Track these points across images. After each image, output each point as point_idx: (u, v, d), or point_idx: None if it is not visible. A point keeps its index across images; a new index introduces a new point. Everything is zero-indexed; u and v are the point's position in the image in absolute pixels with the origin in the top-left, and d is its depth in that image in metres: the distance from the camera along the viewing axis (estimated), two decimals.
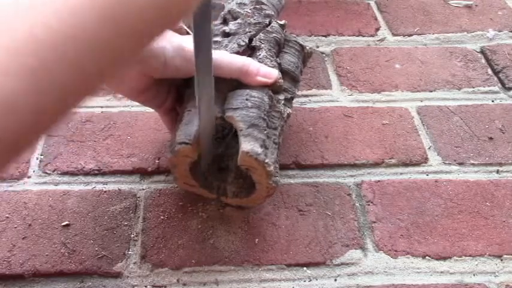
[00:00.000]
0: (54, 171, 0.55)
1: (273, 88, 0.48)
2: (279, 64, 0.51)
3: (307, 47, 0.55)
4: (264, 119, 0.46)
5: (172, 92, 0.50)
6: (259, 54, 0.49)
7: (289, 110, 0.51)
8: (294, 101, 0.63)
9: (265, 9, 0.53)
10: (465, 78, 0.67)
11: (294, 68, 0.52)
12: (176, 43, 0.45)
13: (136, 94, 0.48)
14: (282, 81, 0.49)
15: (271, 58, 0.50)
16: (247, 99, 0.46)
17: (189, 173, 0.48)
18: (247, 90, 0.47)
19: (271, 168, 0.44)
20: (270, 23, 0.52)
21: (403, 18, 0.77)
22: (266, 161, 0.44)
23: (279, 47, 0.52)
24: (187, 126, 0.45)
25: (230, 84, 0.47)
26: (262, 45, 0.50)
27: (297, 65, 0.53)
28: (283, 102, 0.50)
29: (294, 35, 0.55)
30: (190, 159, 0.46)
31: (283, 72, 0.50)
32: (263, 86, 0.47)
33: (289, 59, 0.52)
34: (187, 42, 0.45)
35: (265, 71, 0.47)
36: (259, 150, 0.43)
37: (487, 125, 0.61)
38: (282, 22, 0.53)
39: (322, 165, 0.56)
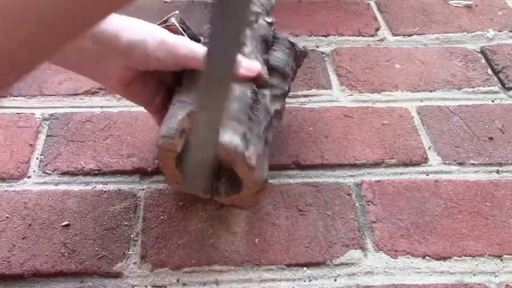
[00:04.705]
0: (54, 171, 0.55)
1: (258, 83, 0.48)
2: (267, 61, 0.50)
3: (301, 46, 0.55)
4: (244, 113, 0.45)
5: (162, 90, 0.50)
6: (245, 50, 0.49)
7: (277, 107, 0.50)
8: (294, 100, 0.63)
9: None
10: (465, 78, 0.67)
11: (283, 64, 0.52)
12: (159, 36, 0.45)
13: (122, 88, 0.48)
14: (267, 76, 0.49)
15: (257, 54, 0.50)
16: None
17: (177, 171, 0.48)
18: None
19: (253, 162, 0.43)
20: (256, 20, 0.52)
21: (403, 18, 0.77)
22: (246, 154, 0.43)
23: (267, 44, 0.52)
24: (170, 120, 0.45)
25: None
26: (248, 41, 0.50)
27: (287, 62, 0.53)
28: (269, 97, 0.49)
29: (289, 34, 0.55)
30: (174, 154, 0.46)
31: (271, 68, 0.50)
32: (247, 81, 0.47)
33: (278, 55, 0.52)
34: (169, 36, 0.46)
35: (247, 64, 0.47)
36: (238, 142, 0.43)
37: (487, 125, 0.61)
38: (269, 20, 0.53)
39: (322, 165, 0.56)
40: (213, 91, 0.33)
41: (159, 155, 0.46)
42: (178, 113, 0.45)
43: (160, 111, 0.51)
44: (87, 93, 0.64)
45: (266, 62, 0.50)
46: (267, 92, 0.49)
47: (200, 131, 0.39)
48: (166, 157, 0.46)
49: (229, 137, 0.43)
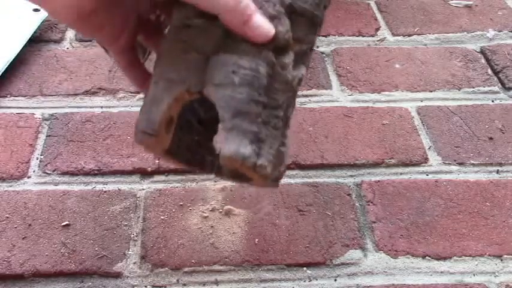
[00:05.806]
0: (54, 171, 0.55)
1: (277, 45, 0.33)
2: (289, 5, 0.34)
3: None
4: (257, 102, 0.32)
5: (130, 21, 0.38)
6: None
7: (302, 71, 0.36)
8: None
9: None
10: (465, 78, 0.67)
11: (313, 5, 0.35)
12: None
13: (81, 18, 0.35)
14: (289, 33, 0.33)
15: None
16: (233, 72, 0.32)
17: (169, 158, 0.38)
18: (235, 57, 0.32)
19: (268, 170, 0.33)
20: None
21: (403, 18, 0.77)
22: (259, 163, 0.32)
23: None
24: (152, 107, 0.34)
25: (214, 37, 0.33)
26: None
27: (317, 0, 0.35)
28: (292, 65, 0.34)
29: None
30: (161, 148, 0.36)
31: (297, 13, 0.34)
32: (260, 46, 0.32)
33: None
34: None
35: (258, 22, 0.32)
36: (247, 151, 0.32)
37: (487, 125, 0.61)
38: None
39: (322, 165, 0.56)
40: None
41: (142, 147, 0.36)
42: (163, 97, 0.33)
43: (127, 51, 0.39)
44: (87, 93, 0.64)
45: (289, 7, 0.34)
46: (288, 59, 0.34)
47: None
48: (152, 151, 0.37)
49: (235, 145, 0.31)
